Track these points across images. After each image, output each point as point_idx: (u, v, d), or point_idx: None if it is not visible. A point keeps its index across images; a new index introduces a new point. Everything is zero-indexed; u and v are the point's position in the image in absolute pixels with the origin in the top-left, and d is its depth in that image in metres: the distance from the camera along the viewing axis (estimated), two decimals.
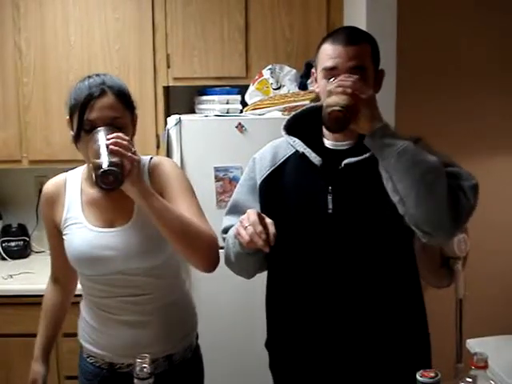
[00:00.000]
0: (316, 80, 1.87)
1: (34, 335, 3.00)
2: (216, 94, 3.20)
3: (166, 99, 3.45)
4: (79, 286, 2.08)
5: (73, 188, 1.97)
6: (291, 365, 1.91)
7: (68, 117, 1.87)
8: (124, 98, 1.85)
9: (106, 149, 1.65)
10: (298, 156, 1.86)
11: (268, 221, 1.67)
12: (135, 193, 1.69)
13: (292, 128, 1.93)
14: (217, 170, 2.97)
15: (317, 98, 2.91)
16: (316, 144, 1.86)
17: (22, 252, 3.61)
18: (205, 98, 3.27)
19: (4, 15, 3.29)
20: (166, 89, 3.45)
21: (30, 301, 2.89)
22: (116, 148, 1.64)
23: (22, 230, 3.63)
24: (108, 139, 1.67)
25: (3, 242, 3.60)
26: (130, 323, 1.91)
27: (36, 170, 3.56)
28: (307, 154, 1.83)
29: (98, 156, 1.65)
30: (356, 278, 1.78)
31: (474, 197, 1.68)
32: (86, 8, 3.29)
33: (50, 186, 2.02)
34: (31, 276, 3.27)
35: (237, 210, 1.93)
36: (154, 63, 3.31)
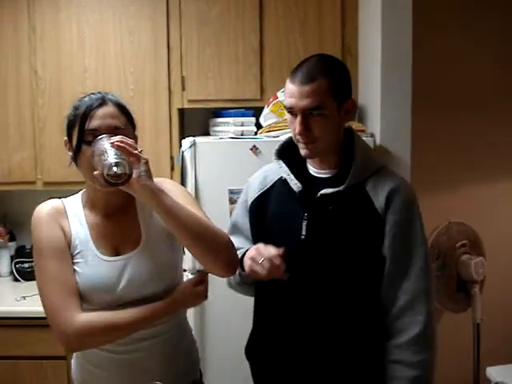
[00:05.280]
0: None
1: (44, 358, 3.03)
2: (231, 116, 3.20)
3: (180, 121, 3.45)
4: None
5: (75, 215, 1.84)
6: (269, 373, 2.01)
7: (66, 137, 1.82)
8: (125, 110, 1.80)
9: (111, 147, 1.61)
10: (282, 181, 1.96)
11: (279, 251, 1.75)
12: (145, 192, 1.62)
13: (285, 152, 2.01)
14: (231, 192, 2.95)
15: None
16: (302, 170, 1.95)
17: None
18: (219, 120, 3.26)
19: (20, 37, 3.33)
20: (181, 111, 3.45)
21: (43, 323, 2.86)
22: (122, 145, 1.61)
23: None
24: (112, 139, 1.64)
25: (17, 263, 3.60)
26: (130, 362, 1.80)
27: (50, 192, 3.55)
28: (288, 181, 1.92)
29: (103, 155, 1.60)
30: (325, 300, 1.87)
31: None
32: (101, 30, 3.31)
33: (47, 208, 1.85)
34: None
35: (236, 230, 2.05)
36: (168, 85, 3.32)
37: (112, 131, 1.71)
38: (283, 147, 2.03)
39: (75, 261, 1.79)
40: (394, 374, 1.84)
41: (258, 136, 3.11)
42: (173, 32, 3.30)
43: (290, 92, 1.84)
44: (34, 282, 3.44)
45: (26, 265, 3.58)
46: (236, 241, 1.94)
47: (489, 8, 3.50)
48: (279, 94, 3.16)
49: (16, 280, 3.59)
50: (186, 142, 3.00)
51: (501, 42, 3.56)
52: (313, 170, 1.95)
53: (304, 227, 1.86)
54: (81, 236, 1.81)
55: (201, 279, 1.85)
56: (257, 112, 3.23)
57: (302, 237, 1.86)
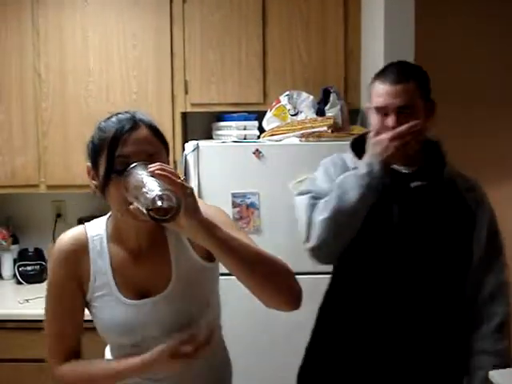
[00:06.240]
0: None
1: (46, 361, 3.00)
2: (233, 120, 3.21)
3: (183, 125, 3.46)
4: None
5: (98, 252, 1.66)
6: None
7: (89, 163, 1.58)
8: (158, 133, 1.58)
9: (151, 177, 1.36)
10: None
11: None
12: (194, 227, 1.37)
13: (357, 147, 2.03)
14: (234, 196, 2.96)
15: (334, 125, 2.94)
16: None
17: (39, 276, 3.60)
18: (222, 123, 3.27)
19: (24, 40, 3.34)
20: (184, 115, 3.46)
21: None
22: (164, 173, 1.34)
23: (39, 255, 3.63)
24: (150, 168, 1.38)
25: (19, 266, 3.60)
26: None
27: (53, 195, 3.58)
28: None
29: (143, 187, 1.35)
30: (416, 290, 1.93)
31: None
32: (104, 34, 3.32)
33: (68, 243, 1.66)
34: None
35: (319, 197, 1.98)
36: (171, 89, 3.33)
37: (146, 158, 1.48)
38: (356, 141, 2.06)
39: (94, 304, 1.66)
40: (478, 364, 1.94)
41: (260, 140, 3.12)
42: (176, 36, 3.31)
43: (380, 92, 1.91)
44: (36, 285, 3.52)
45: (29, 268, 3.59)
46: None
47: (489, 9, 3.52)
48: (282, 97, 3.17)
49: (19, 283, 3.59)
50: (189, 145, 3.00)
51: (500, 42, 3.56)
52: (396, 166, 1.98)
53: (395, 218, 1.92)
54: (103, 276, 1.64)
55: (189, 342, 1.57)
56: (259, 116, 3.24)
57: (393, 227, 1.91)
